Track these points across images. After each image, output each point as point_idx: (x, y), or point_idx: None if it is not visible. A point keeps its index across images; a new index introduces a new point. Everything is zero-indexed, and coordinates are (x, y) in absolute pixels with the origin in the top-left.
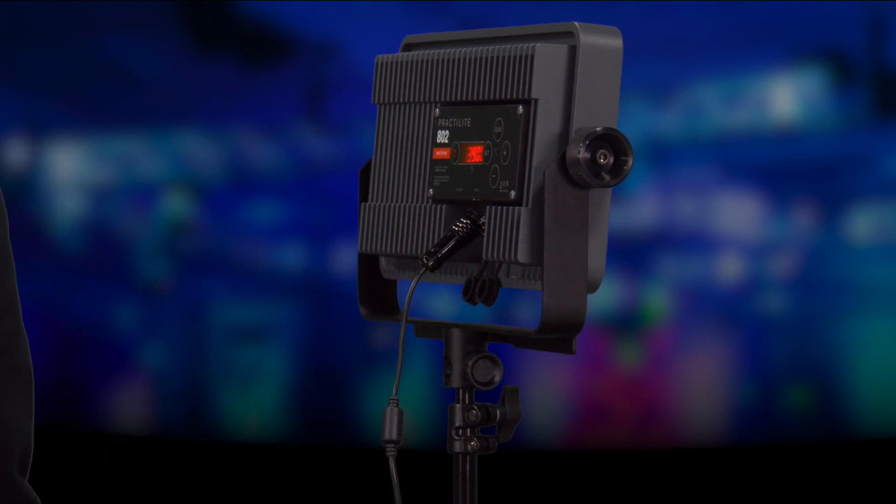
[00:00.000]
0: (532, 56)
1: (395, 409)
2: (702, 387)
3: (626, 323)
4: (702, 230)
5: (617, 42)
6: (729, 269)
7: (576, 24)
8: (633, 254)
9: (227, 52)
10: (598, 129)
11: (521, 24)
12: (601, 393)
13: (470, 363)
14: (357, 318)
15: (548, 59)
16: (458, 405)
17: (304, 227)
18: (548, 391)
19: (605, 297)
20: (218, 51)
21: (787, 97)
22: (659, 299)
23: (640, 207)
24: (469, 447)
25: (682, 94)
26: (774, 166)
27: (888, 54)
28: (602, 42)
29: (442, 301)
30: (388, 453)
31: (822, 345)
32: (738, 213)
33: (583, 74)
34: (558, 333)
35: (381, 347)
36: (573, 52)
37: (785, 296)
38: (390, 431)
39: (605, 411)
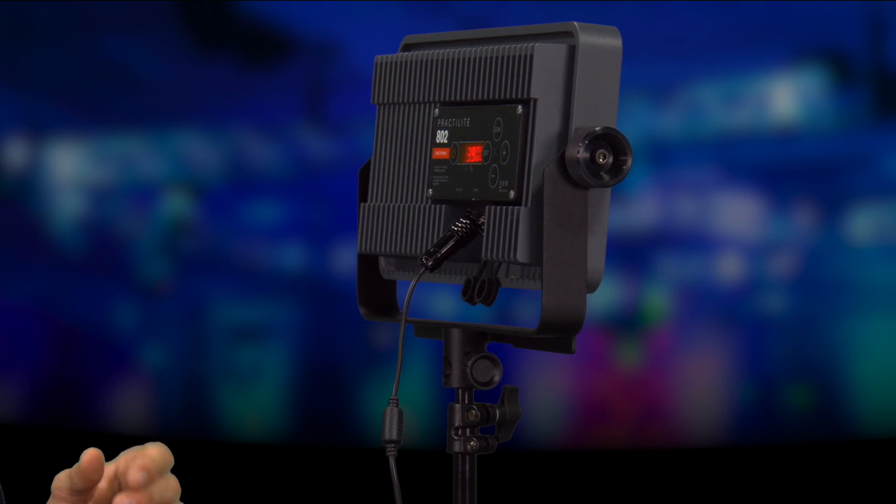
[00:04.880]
0: (531, 56)
1: (395, 409)
2: (702, 387)
3: (626, 323)
4: (702, 230)
5: (616, 42)
6: (729, 269)
7: (575, 23)
8: (633, 254)
9: (227, 52)
10: (597, 128)
11: (521, 24)
12: (601, 393)
13: (469, 363)
14: (357, 318)
15: (547, 58)
16: (457, 405)
17: (304, 227)
18: (548, 391)
19: (605, 297)
20: (218, 51)
21: (787, 97)
22: (659, 299)
23: (640, 207)
24: (468, 447)
25: (682, 94)
26: (774, 166)
27: (888, 54)
28: (601, 42)
29: (441, 301)
30: (388, 453)
31: (822, 345)
32: (738, 213)
33: (582, 74)
34: (557, 333)
35: (381, 347)
36: (572, 52)
37: (785, 296)
38: (390, 431)
39: (605, 411)
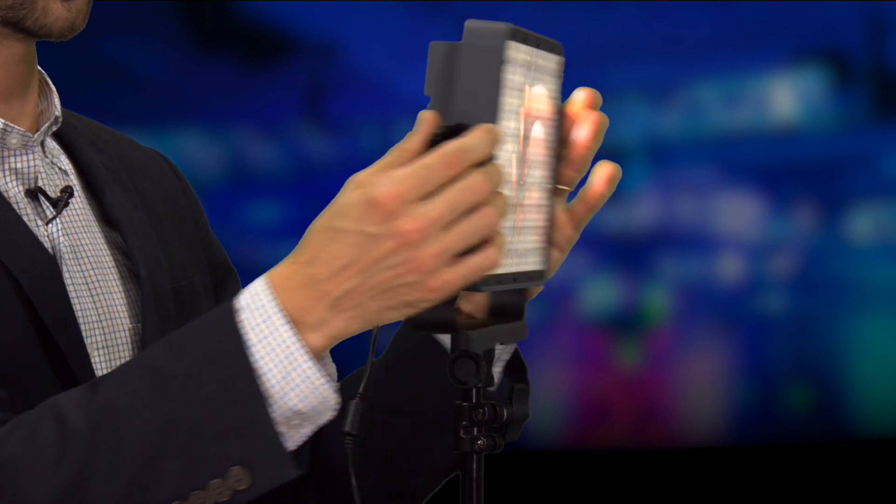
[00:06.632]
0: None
1: (361, 404)
2: (702, 387)
3: (626, 323)
4: (702, 230)
5: (497, 41)
6: (729, 269)
7: (467, 22)
8: (633, 254)
9: (227, 52)
10: (449, 125)
11: (521, 23)
12: (601, 393)
13: (449, 360)
14: None
15: (437, 56)
16: (465, 404)
17: (304, 227)
18: (548, 391)
19: (605, 296)
20: (218, 51)
21: (787, 97)
22: (659, 299)
23: (639, 207)
24: (476, 446)
25: (682, 94)
26: (774, 166)
27: (888, 54)
28: (482, 41)
29: None
30: (345, 445)
31: (822, 345)
32: (738, 213)
33: (463, 71)
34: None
35: (380, 346)
36: (456, 50)
37: (785, 296)
38: (352, 424)
39: (605, 411)
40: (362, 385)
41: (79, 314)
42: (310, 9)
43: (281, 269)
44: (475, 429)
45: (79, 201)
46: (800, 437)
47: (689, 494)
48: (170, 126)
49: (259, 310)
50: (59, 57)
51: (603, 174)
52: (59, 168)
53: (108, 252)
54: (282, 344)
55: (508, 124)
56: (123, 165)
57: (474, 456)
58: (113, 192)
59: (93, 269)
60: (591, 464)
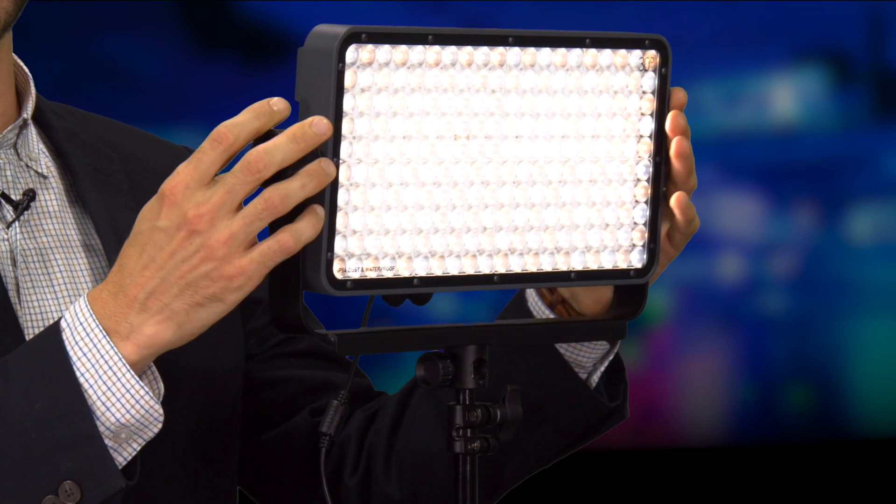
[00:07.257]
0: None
1: (343, 407)
2: (702, 387)
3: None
4: (702, 230)
5: (328, 44)
6: (729, 269)
7: (315, 27)
8: None
9: (227, 52)
10: (276, 129)
11: (521, 24)
12: None
13: (419, 359)
14: (355, 319)
15: (298, 62)
16: (458, 405)
17: None
18: None
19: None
20: (218, 51)
21: (787, 97)
22: (659, 299)
23: None
24: (470, 447)
25: None
26: (774, 166)
27: (888, 54)
28: (320, 44)
29: (445, 304)
30: (320, 444)
31: (822, 345)
32: (738, 213)
33: (303, 77)
34: None
35: None
36: (301, 55)
37: (785, 296)
38: (330, 424)
39: None
40: (344, 391)
41: (35, 318)
42: (310, 9)
43: (99, 285)
44: (469, 430)
45: (55, 203)
46: (800, 437)
47: (689, 494)
48: (170, 126)
49: (81, 325)
50: (60, 57)
51: (675, 205)
52: (35, 171)
53: (84, 255)
54: (103, 356)
55: (437, 126)
56: (125, 167)
57: (468, 458)
58: (98, 195)
59: (61, 272)
60: (591, 464)
